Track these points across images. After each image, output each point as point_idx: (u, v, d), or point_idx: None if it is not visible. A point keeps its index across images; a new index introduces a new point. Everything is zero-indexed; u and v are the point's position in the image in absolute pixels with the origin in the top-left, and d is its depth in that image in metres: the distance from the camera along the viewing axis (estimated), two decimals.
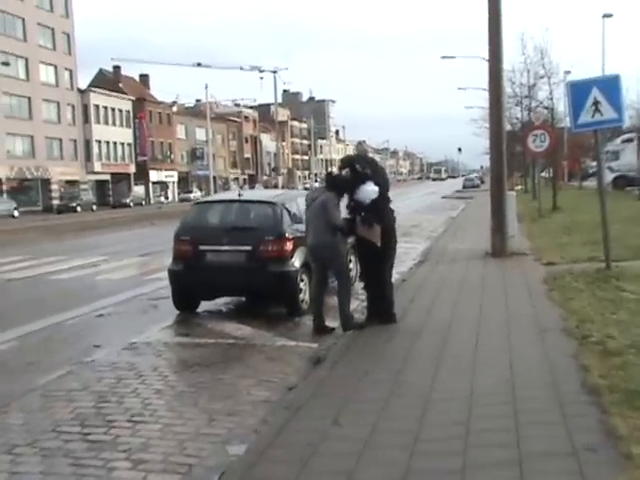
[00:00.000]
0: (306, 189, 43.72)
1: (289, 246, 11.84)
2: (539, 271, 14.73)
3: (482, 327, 9.78)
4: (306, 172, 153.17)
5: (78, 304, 13.78)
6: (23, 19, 75.74)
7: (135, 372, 8.73)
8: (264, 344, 10.13)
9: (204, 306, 12.87)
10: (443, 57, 59.61)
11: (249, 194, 13.95)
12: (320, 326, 10.64)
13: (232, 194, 14.10)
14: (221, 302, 13.18)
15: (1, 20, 72.47)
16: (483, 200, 49.54)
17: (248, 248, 11.80)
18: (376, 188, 10.35)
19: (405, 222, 34.85)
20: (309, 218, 10.60)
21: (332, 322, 10.72)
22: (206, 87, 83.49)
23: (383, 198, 10.47)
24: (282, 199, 12.51)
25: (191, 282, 12.18)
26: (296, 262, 11.88)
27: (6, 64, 66.29)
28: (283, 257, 11.83)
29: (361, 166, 10.50)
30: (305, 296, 12.02)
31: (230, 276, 11.88)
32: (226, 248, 11.89)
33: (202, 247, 12.03)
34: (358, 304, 12.13)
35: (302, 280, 12.00)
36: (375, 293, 10.74)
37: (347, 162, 10.80)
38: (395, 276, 15.64)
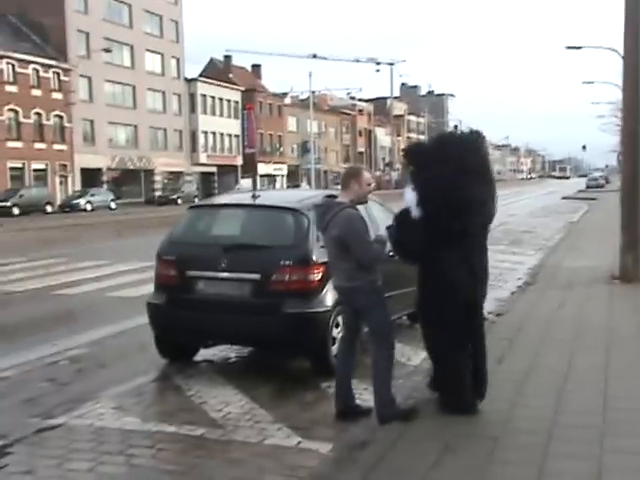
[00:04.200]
0: None
1: (316, 275, 7.94)
2: None
3: (609, 438, 5.66)
4: None
5: (50, 338, 10.32)
6: (129, 5, 73.59)
7: None
8: (248, 441, 6.27)
9: (206, 352, 9.19)
10: (568, 47, 54.25)
11: (267, 196, 9.88)
12: (345, 408, 6.78)
13: (243, 196, 10.15)
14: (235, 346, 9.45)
15: (106, 6, 70.51)
16: (609, 202, 44.38)
17: (256, 277, 7.97)
18: (411, 197, 6.37)
19: (517, 227, 30.57)
20: (328, 250, 6.75)
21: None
22: (310, 75, 79.77)
23: (434, 223, 6.30)
24: (311, 205, 8.07)
25: (175, 322, 8.45)
26: (327, 299, 7.95)
27: (108, 51, 64.54)
28: (307, 291, 7.96)
29: (412, 158, 6.63)
30: None
31: (229, 317, 8.10)
32: (225, 275, 8.10)
33: (191, 272, 8.29)
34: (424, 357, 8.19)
35: (337, 325, 8.08)
36: (440, 358, 6.71)
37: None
38: (489, 307, 11.70)
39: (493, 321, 10.50)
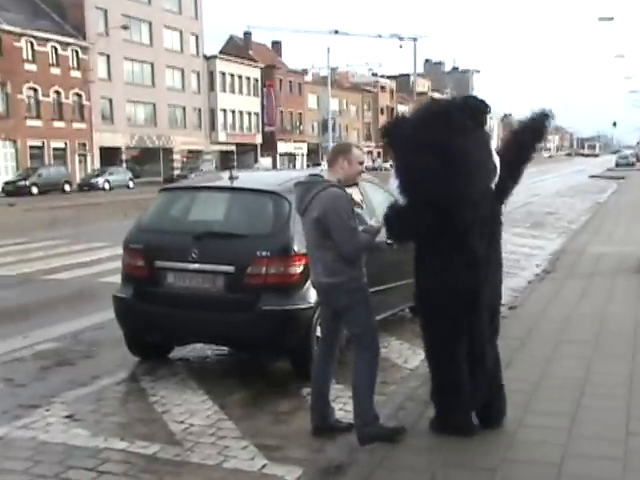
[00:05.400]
0: None
1: (297, 267, 6.95)
2: None
3: (632, 475, 4.64)
4: None
5: (24, 329, 9.45)
6: None
7: None
8: (205, 463, 5.31)
9: (183, 349, 8.28)
10: (600, 19, 52.66)
11: (246, 178, 8.54)
12: (323, 424, 5.82)
13: (220, 177, 9.05)
14: None
15: None
16: (639, 181, 43.14)
17: (229, 269, 7.00)
18: (394, 184, 5.33)
19: (540, 208, 29.33)
20: (307, 237, 5.72)
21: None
22: (328, 50, 78.26)
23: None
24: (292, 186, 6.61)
25: (142, 319, 7.51)
26: (310, 294, 6.90)
27: (126, 28, 63.60)
28: (287, 285, 6.99)
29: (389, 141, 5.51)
30: None
31: (200, 314, 7.15)
32: (195, 267, 7.13)
33: (160, 263, 7.34)
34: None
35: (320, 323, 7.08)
36: (434, 361, 5.67)
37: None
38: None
39: (504, 316, 9.45)
